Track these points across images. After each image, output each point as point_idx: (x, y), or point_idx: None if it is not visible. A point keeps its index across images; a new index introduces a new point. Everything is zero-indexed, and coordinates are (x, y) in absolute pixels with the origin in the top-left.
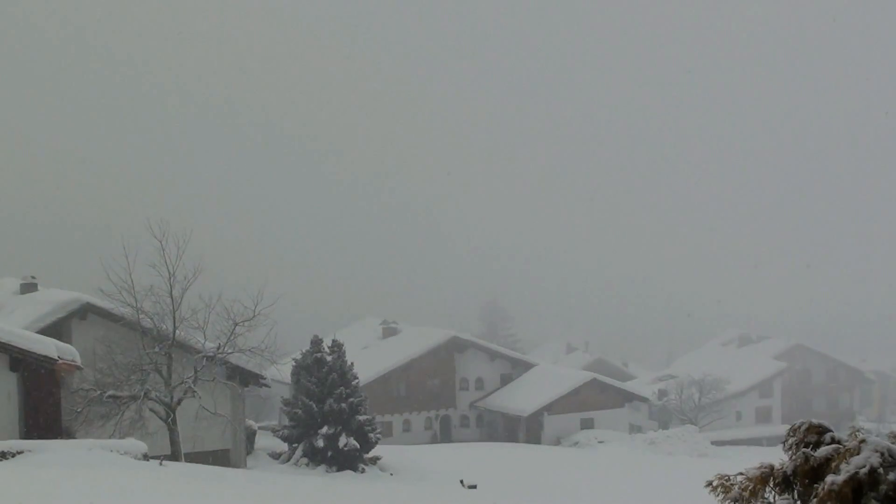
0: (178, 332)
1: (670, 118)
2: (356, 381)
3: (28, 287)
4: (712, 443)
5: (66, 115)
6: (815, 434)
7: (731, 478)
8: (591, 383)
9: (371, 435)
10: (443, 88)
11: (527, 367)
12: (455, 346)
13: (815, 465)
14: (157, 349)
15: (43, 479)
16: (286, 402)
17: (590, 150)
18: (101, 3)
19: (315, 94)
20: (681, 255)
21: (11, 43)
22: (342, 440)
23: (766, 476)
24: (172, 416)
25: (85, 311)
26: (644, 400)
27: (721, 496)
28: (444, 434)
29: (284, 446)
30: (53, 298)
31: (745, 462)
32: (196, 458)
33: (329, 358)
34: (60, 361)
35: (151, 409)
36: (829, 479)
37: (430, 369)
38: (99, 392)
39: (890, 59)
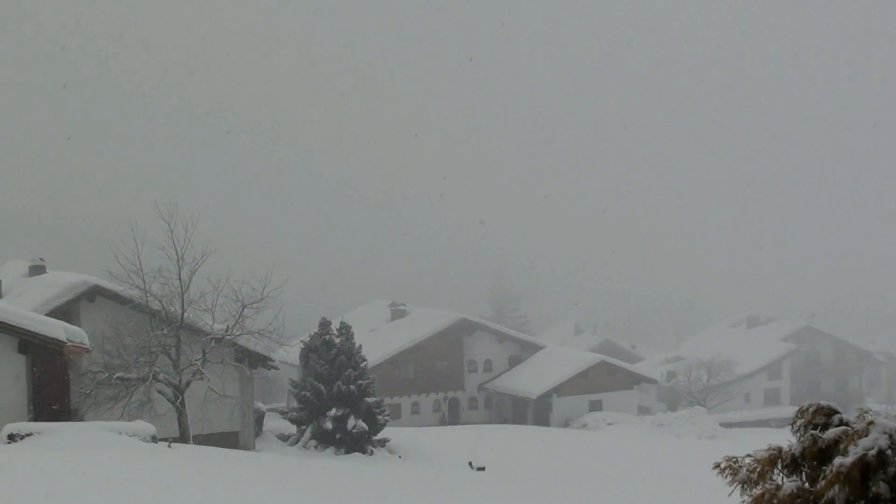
0: (186, 314)
1: (680, 108)
2: (364, 363)
3: (37, 269)
4: (721, 424)
5: (77, 101)
6: (824, 416)
7: (739, 459)
8: (600, 365)
9: (379, 417)
10: (453, 79)
11: (535, 349)
12: (463, 328)
13: (824, 446)
14: (165, 331)
15: (52, 461)
16: (295, 385)
17: (596, 141)
18: None
19: (325, 82)
20: (688, 238)
21: (25, 33)
22: (351, 422)
23: (774, 458)
24: (181, 398)
25: (93, 294)
26: (652, 382)
27: (729, 478)
28: (453, 416)
29: (293, 428)
30: (62, 281)
31: (753, 444)
32: (205, 440)
33: (337, 340)
34: (69, 344)
35: (160, 392)
36: (838, 460)
37: (438, 351)
38: (107, 374)
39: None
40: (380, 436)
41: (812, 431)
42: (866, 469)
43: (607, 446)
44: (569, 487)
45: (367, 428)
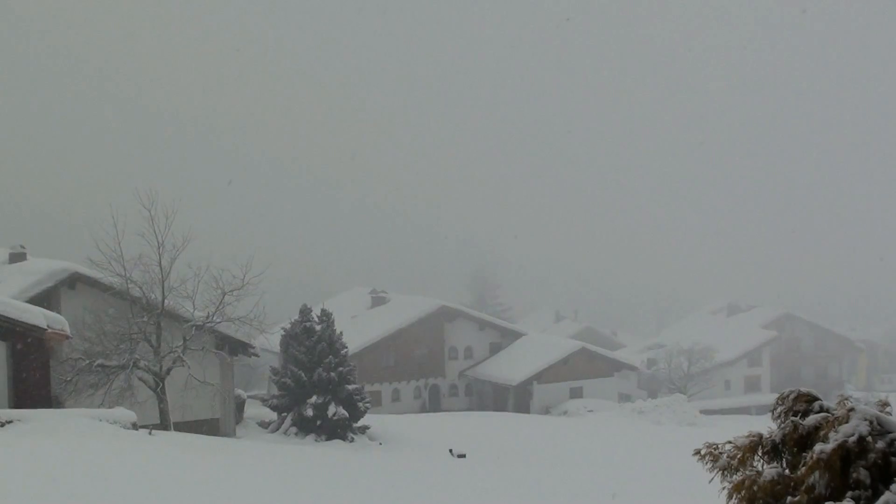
0: (166, 301)
1: (658, 101)
2: (345, 350)
3: (17, 256)
4: (701, 412)
5: (58, 92)
6: (804, 402)
7: (720, 446)
8: (580, 352)
9: (360, 404)
10: (430, 76)
11: (516, 336)
12: (444, 316)
13: (804, 433)
14: (146, 318)
15: (32, 448)
16: (275, 372)
17: (578, 135)
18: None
19: (311, 75)
20: (670, 227)
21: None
22: (331, 409)
23: (754, 444)
24: (161, 385)
25: (74, 281)
26: (633, 369)
27: (709, 464)
28: (433, 403)
29: (274, 415)
30: (42, 268)
31: (733, 431)
32: (185, 427)
33: (318, 327)
34: (49, 331)
35: (140, 379)
36: (818, 447)
37: (419, 338)
38: (88, 361)
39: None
40: (360, 423)
41: (793, 418)
42: (847, 455)
43: (588, 433)
44: (549, 474)
45: (347, 415)
